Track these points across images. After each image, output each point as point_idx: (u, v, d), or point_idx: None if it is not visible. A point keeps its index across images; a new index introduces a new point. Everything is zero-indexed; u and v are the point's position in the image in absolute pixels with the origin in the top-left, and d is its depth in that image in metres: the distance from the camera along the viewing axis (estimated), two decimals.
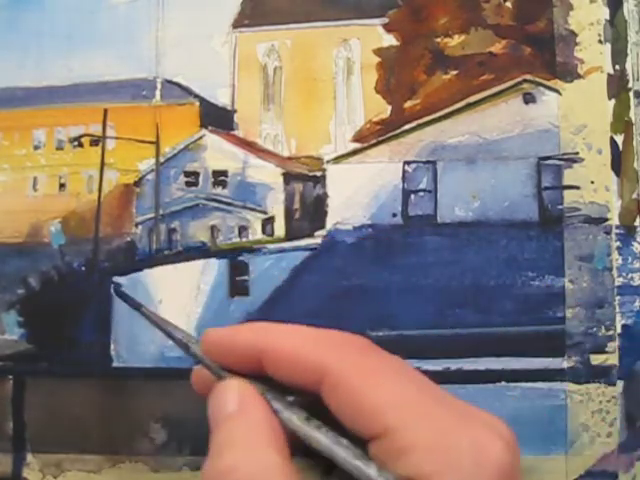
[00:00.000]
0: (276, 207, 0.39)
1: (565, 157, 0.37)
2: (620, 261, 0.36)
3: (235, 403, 0.22)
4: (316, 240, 0.38)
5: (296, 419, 0.21)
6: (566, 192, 0.37)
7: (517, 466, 0.20)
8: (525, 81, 0.38)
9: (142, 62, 0.40)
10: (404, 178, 0.38)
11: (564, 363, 0.36)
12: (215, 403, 0.23)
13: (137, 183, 0.40)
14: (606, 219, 0.36)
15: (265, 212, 0.39)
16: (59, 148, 0.41)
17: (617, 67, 0.37)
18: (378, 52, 0.39)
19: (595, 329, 0.36)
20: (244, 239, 0.39)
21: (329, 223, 0.38)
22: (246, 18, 0.40)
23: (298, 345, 0.22)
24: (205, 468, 0.21)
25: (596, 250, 0.36)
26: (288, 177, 0.39)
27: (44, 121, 0.41)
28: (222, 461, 0.20)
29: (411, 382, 0.21)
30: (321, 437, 0.21)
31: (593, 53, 0.37)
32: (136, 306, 0.29)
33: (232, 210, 0.39)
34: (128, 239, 0.40)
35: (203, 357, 0.24)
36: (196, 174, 0.40)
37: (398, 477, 0.19)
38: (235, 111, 0.40)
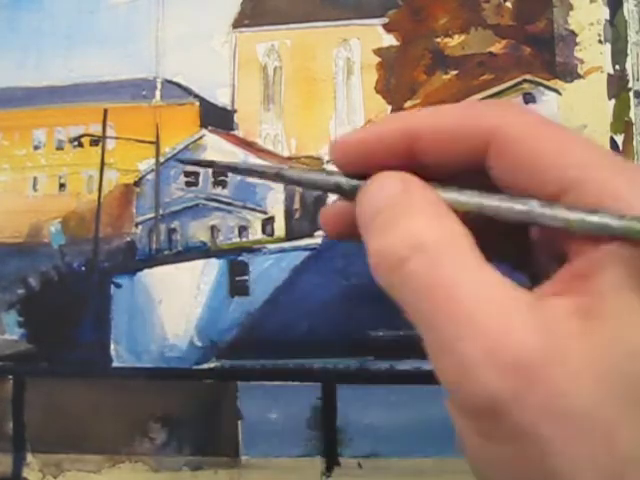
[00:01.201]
0: (276, 207, 0.39)
1: None
2: None
3: (398, 186, 0.19)
4: (316, 240, 0.38)
5: (464, 195, 0.19)
6: None
7: None
8: (525, 81, 0.38)
9: (142, 62, 0.40)
10: None
11: None
12: (372, 196, 0.19)
13: (137, 183, 0.40)
14: None
15: (265, 212, 0.39)
16: (59, 148, 0.41)
17: (617, 67, 0.37)
18: (378, 52, 0.39)
19: None
20: (244, 239, 0.39)
21: None
22: (246, 18, 0.40)
23: (462, 115, 0.19)
24: (374, 250, 0.18)
25: None
26: None
27: (44, 121, 0.41)
28: (398, 230, 0.18)
29: (589, 142, 0.18)
30: (497, 202, 0.18)
31: (593, 53, 0.37)
32: (208, 164, 0.25)
33: (232, 210, 0.39)
34: (128, 239, 0.40)
35: (328, 171, 0.21)
36: (196, 174, 0.40)
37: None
38: (235, 111, 0.40)
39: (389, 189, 0.19)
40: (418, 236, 0.17)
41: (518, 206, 0.18)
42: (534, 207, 0.18)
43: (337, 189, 0.20)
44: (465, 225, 0.18)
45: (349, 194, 0.20)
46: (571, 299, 0.16)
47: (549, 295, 0.17)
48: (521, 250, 0.21)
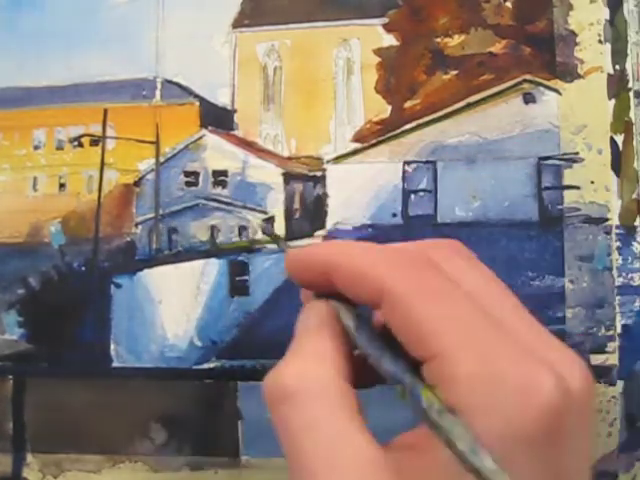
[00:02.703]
0: (276, 207, 0.39)
1: (565, 157, 0.37)
2: (620, 261, 0.36)
3: (312, 322, 0.23)
4: (316, 240, 0.38)
5: (363, 338, 0.22)
6: (566, 192, 0.37)
7: (575, 421, 0.19)
8: (525, 81, 0.38)
9: (142, 62, 0.40)
10: (404, 178, 0.38)
11: None
12: (298, 321, 0.23)
13: (137, 183, 0.40)
14: (606, 219, 0.36)
15: (265, 212, 0.39)
16: (59, 148, 0.41)
17: (617, 67, 0.37)
18: (378, 52, 0.39)
19: (595, 329, 0.36)
20: (244, 239, 0.39)
21: (329, 223, 0.38)
22: (246, 18, 0.40)
23: (362, 262, 0.22)
24: (266, 376, 0.21)
25: (596, 250, 0.36)
26: (288, 177, 0.39)
27: (44, 121, 0.41)
28: (280, 368, 0.21)
29: (471, 306, 0.20)
30: (375, 351, 0.21)
31: (593, 53, 0.37)
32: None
33: (232, 210, 0.39)
34: (128, 239, 0.40)
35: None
36: (196, 174, 0.40)
37: (444, 403, 0.19)
38: (235, 111, 0.40)
39: (304, 321, 0.23)
40: (292, 380, 0.20)
41: (390, 368, 0.20)
42: (404, 378, 0.20)
43: None
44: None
45: None
46: (409, 461, 0.19)
47: (399, 447, 0.20)
48: None
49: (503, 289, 0.22)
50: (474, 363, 0.18)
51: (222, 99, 0.40)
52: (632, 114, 0.37)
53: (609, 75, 0.37)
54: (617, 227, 0.36)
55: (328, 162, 0.39)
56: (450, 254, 0.23)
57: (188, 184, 0.40)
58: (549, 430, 0.18)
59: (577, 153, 0.37)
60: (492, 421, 0.18)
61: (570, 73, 0.37)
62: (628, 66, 0.37)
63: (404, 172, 0.38)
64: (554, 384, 0.18)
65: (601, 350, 0.36)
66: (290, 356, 0.22)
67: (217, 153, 0.40)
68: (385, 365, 0.21)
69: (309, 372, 0.21)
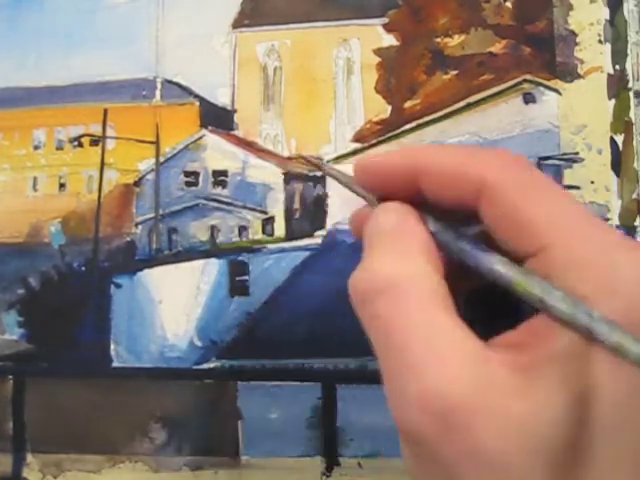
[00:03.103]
0: (276, 207, 0.39)
1: (565, 157, 0.37)
2: None
3: (394, 221, 0.21)
4: (316, 240, 0.38)
5: (452, 237, 0.21)
6: None
7: None
8: (525, 81, 0.38)
9: (142, 62, 0.40)
10: None
11: None
12: (372, 224, 0.22)
13: (137, 183, 0.40)
14: (606, 219, 0.36)
15: (265, 212, 0.39)
16: (59, 148, 0.41)
17: (617, 67, 0.37)
18: (378, 52, 0.39)
19: None
20: (244, 239, 0.39)
21: (329, 223, 0.38)
22: (246, 18, 0.40)
23: (458, 160, 0.21)
24: (352, 276, 0.21)
25: None
26: (288, 177, 0.39)
27: (44, 121, 0.41)
28: (369, 266, 0.20)
29: (572, 203, 0.20)
30: (476, 252, 0.20)
31: (593, 53, 0.37)
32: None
33: (232, 210, 0.39)
34: (128, 239, 0.40)
35: (360, 189, 0.24)
36: (196, 174, 0.40)
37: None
38: (235, 111, 0.40)
39: (383, 222, 0.22)
40: (385, 276, 0.20)
41: (497, 267, 0.19)
42: (510, 275, 0.19)
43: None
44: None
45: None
46: (516, 357, 0.18)
47: (501, 346, 0.19)
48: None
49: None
50: (590, 250, 0.18)
51: (222, 99, 0.40)
52: (632, 114, 0.37)
53: (609, 75, 0.37)
54: (617, 227, 0.36)
55: (328, 162, 0.39)
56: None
57: (188, 184, 0.40)
58: None
59: (577, 153, 0.37)
60: (614, 306, 0.18)
61: (570, 73, 0.37)
62: (628, 66, 0.37)
63: None
64: None
65: None
66: (376, 253, 0.21)
67: (217, 153, 0.40)
68: (494, 264, 0.19)
69: (403, 265, 0.20)
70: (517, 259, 0.20)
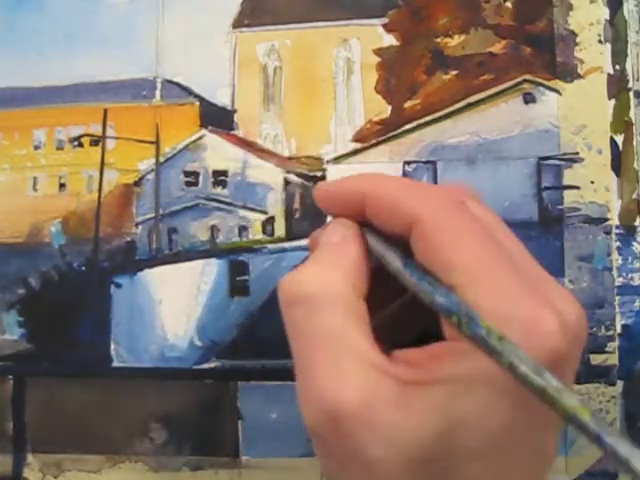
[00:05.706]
0: (276, 207, 0.39)
1: (565, 157, 0.37)
2: (620, 261, 0.36)
3: (337, 236, 0.24)
4: None
5: (392, 257, 0.23)
6: (566, 192, 0.37)
7: (573, 353, 0.21)
8: (525, 81, 0.38)
9: (142, 62, 0.40)
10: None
11: None
12: (321, 234, 0.24)
13: (137, 183, 0.40)
14: (606, 219, 0.36)
15: (265, 212, 0.39)
16: (59, 148, 0.41)
17: (617, 67, 0.37)
18: (378, 52, 0.39)
19: (595, 329, 0.36)
20: (244, 239, 0.39)
21: None
22: (246, 18, 0.40)
23: (395, 194, 0.23)
24: (283, 278, 0.23)
25: (596, 250, 0.36)
26: (288, 177, 0.39)
27: (44, 121, 0.41)
28: (299, 272, 0.22)
29: (494, 247, 0.21)
30: (424, 283, 0.21)
31: (593, 53, 0.37)
32: None
33: (232, 210, 0.39)
34: (128, 239, 0.40)
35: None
36: (196, 174, 0.40)
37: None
38: (235, 111, 0.40)
39: (327, 234, 0.24)
40: (309, 285, 0.22)
41: (443, 300, 0.21)
42: (460, 307, 0.20)
43: None
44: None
45: None
46: (411, 373, 0.20)
47: (403, 361, 0.21)
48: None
49: (511, 232, 0.24)
50: (489, 299, 0.20)
51: (222, 99, 0.40)
52: (632, 114, 0.37)
53: (609, 75, 0.37)
54: (617, 227, 0.36)
55: (328, 162, 0.39)
56: (469, 196, 0.24)
57: (188, 184, 0.40)
58: (553, 368, 0.19)
59: (577, 153, 0.37)
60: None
61: (570, 73, 0.37)
62: (628, 66, 0.37)
63: (404, 172, 0.38)
64: (557, 324, 0.19)
65: (601, 350, 0.36)
66: (310, 263, 0.23)
67: (217, 153, 0.40)
68: (437, 297, 0.21)
69: (326, 278, 0.22)
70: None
